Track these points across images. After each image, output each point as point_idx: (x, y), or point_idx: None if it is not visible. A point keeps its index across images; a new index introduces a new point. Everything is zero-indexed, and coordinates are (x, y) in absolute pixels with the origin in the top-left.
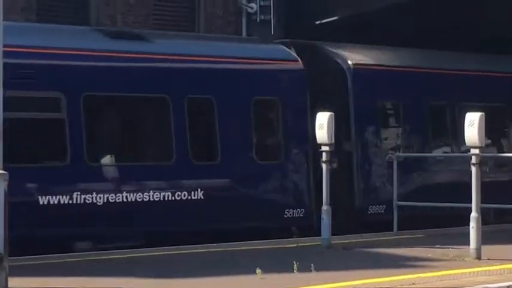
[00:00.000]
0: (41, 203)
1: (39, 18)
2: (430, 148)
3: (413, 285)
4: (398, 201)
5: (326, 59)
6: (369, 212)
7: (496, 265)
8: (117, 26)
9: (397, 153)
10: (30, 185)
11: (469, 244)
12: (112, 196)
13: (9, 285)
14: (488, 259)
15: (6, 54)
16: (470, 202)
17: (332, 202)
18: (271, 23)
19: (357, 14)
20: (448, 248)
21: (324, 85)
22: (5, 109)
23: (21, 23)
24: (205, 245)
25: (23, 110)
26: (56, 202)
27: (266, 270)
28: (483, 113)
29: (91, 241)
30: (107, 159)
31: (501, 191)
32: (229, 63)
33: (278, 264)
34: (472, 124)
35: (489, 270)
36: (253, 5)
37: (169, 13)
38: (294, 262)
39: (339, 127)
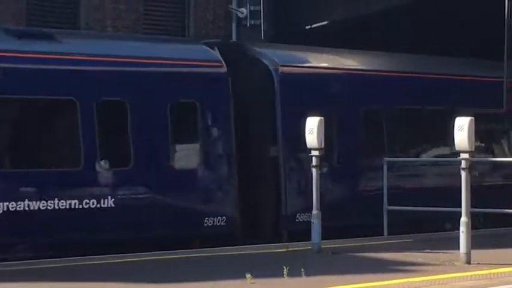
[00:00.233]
0: None
1: (29, 24)
2: (365, 153)
3: None
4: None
5: (253, 59)
6: (297, 220)
7: (486, 269)
8: (107, 30)
9: (387, 158)
10: None
11: (459, 248)
12: (12, 204)
13: None
14: (478, 263)
15: None
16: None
17: (257, 210)
18: (261, 27)
19: (346, 19)
20: (438, 252)
21: (250, 87)
22: None
23: None
24: (194, 249)
25: None
26: None
27: (256, 274)
28: (473, 118)
29: None
30: (6, 165)
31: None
32: (144, 64)
33: (268, 268)
34: (462, 129)
35: (479, 275)
36: (243, 9)
37: (159, 18)
38: (284, 267)
39: (265, 131)
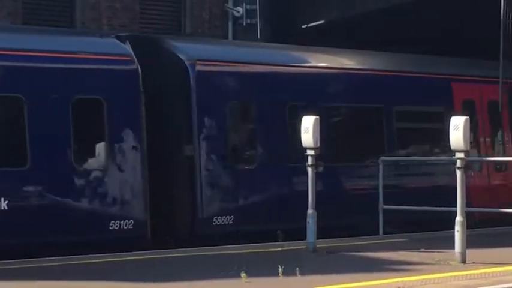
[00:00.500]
0: None
1: (25, 23)
2: (289, 152)
3: None
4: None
5: (169, 54)
6: (214, 223)
7: (481, 269)
8: (103, 29)
9: (383, 157)
10: None
11: (454, 248)
12: None
13: None
14: (473, 263)
15: None
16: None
17: (171, 213)
18: (257, 26)
19: (342, 18)
20: (433, 251)
21: (165, 83)
22: None
23: None
24: (188, 248)
25: None
26: None
27: (251, 274)
28: (468, 117)
29: None
30: None
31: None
32: (42, 58)
33: (263, 268)
34: (457, 128)
35: (474, 274)
36: (239, 8)
37: (155, 16)
38: (279, 266)
39: (181, 129)
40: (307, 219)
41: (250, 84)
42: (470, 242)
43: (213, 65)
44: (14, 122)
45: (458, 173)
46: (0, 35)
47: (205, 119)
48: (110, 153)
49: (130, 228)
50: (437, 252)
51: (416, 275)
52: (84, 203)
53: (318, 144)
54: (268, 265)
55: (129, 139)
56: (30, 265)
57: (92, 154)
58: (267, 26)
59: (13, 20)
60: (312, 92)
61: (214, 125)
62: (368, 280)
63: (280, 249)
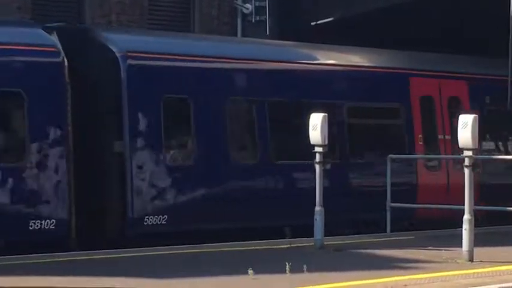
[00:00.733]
0: None
1: (34, 18)
2: (229, 150)
3: (405, 287)
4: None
5: (100, 46)
6: (145, 224)
7: (488, 267)
8: (112, 25)
9: (391, 155)
10: None
11: (461, 246)
12: None
13: None
14: (481, 261)
15: None
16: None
17: (100, 213)
18: (266, 23)
19: (351, 15)
20: (441, 249)
21: (96, 76)
22: None
23: None
24: (196, 245)
25: None
26: None
27: (258, 270)
28: (476, 115)
29: None
30: None
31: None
32: None
33: (270, 264)
34: (466, 126)
35: (481, 272)
36: (248, 5)
37: (163, 13)
38: (287, 263)
39: (112, 124)
40: (315, 216)
41: (188, 78)
42: (478, 240)
43: (146, 57)
44: None
45: (466, 172)
46: None
47: (137, 114)
48: (30, 148)
49: (52, 228)
50: (445, 250)
51: (424, 273)
52: (0, 202)
53: (326, 142)
54: (275, 262)
55: (51, 134)
56: (33, 261)
57: (11, 149)
58: (276, 23)
59: (22, 14)
60: (256, 86)
61: (147, 120)
62: (375, 278)
63: (287, 246)
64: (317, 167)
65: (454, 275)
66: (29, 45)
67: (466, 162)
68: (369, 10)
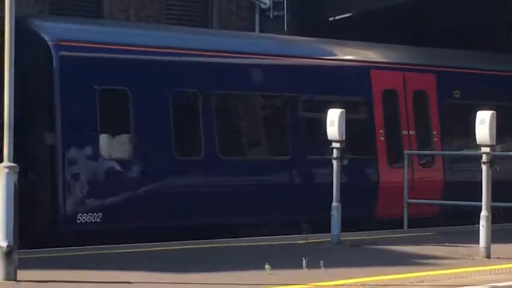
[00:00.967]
0: None
1: (52, 11)
2: (171, 144)
3: (422, 283)
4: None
5: (31, 34)
6: (78, 221)
7: (505, 264)
8: (130, 20)
9: (407, 151)
10: None
11: (478, 242)
12: None
13: (18, 278)
14: (498, 258)
15: None
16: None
17: (29, 210)
18: (284, 18)
19: (370, 11)
20: (458, 246)
21: (26, 66)
22: None
23: None
24: (213, 240)
25: None
26: None
27: (275, 266)
28: (494, 112)
29: None
30: None
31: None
32: None
33: (287, 260)
34: (483, 122)
35: (498, 269)
36: (266, 0)
37: (182, 8)
38: (303, 258)
39: (42, 115)
40: (332, 212)
41: (127, 69)
42: (495, 237)
43: (80, 46)
44: None
45: (484, 168)
46: None
47: (71, 106)
48: None
49: None
50: (462, 246)
51: (441, 270)
52: None
53: (344, 137)
54: (292, 257)
55: None
56: (64, 254)
57: None
58: (294, 19)
59: (40, 8)
60: (201, 78)
61: (81, 112)
62: (392, 274)
63: (304, 241)
64: (334, 162)
65: (471, 272)
66: None
67: (484, 158)
68: (388, 5)
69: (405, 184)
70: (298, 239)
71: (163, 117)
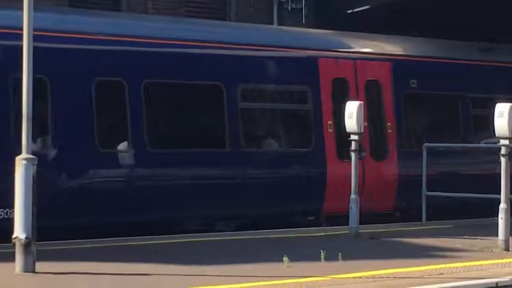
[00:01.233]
0: None
1: (71, 5)
2: (94, 137)
3: (441, 275)
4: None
5: None
6: None
7: None
8: (149, 12)
9: (427, 144)
10: None
11: (497, 235)
12: None
13: (36, 270)
14: None
15: None
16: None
17: None
18: (302, 11)
19: (387, 3)
20: (476, 238)
21: None
22: None
23: None
24: (231, 232)
25: None
26: None
27: (293, 258)
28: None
29: None
30: None
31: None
32: None
33: (305, 252)
34: (502, 115)
35: None
36: None
37: (200, 0)
38: (321, 251)
39: None
40: (350, 205)
41: (45, 57)
42: None
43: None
44: None
45: (503, 160)
46: None
47: None
48: None
49: None
50: (480, 239)
51: (459, 262)
52: None
53: (362, 129)
54: (310, 250)
55: None
56: (82, 246)
57: None
58: (312, 11)
59: (59, 1)
60: (128, 66)
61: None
62: (410, 266)
63: (322, 234)
64: (352, 155)
65: (490, 264)
66: None
67: (503, 151)
68: None
69: (423, 176)
70: (316, 232)
71: (86, 109)
